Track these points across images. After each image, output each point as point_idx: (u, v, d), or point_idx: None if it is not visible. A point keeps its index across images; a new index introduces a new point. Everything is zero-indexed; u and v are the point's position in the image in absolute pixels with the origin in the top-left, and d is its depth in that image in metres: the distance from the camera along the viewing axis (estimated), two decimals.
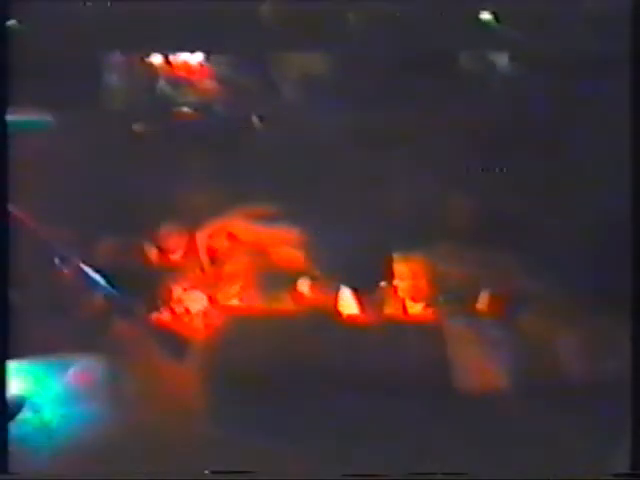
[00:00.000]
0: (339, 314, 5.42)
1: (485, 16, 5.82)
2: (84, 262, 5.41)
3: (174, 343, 5.20)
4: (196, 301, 5.46)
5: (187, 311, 5.44)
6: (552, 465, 4.74)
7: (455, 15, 5.72)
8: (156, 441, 4.91)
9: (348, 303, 5.45)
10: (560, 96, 5.50)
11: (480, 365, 5.14)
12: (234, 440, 4.91)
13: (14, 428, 4.81)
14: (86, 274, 5.38)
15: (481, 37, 5.82)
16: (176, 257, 5.70)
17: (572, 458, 4.78)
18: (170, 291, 5.47)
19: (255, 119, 6.06)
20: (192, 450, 4.91)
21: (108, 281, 5.37)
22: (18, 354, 5.01)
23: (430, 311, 5.45)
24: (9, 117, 5.15)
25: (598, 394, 4.91)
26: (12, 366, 4.92)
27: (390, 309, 5.49)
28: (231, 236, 5.69)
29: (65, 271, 5.42)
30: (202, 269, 5.57)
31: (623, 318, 4.89)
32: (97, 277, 5.36)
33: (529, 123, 5.58)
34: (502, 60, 5.92)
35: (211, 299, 5.49)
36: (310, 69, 6.03)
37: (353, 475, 4.75)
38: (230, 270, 5.61)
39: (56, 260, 5.41)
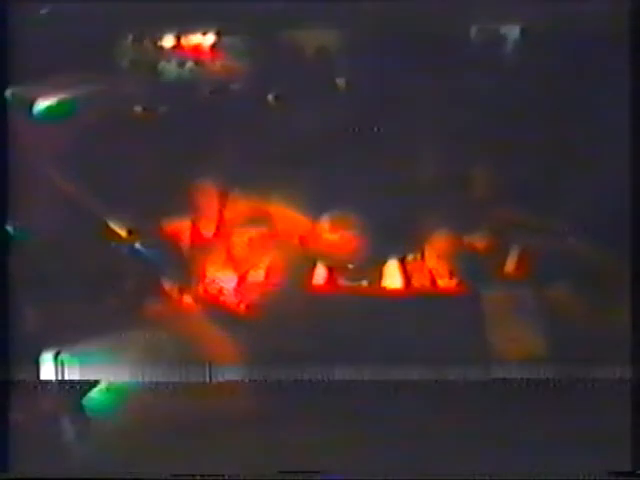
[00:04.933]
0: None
1: None
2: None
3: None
4: (229, 280, 5.48)
5: (220, 291, 5.47)
6: None
7: None
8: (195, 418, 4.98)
9: (392, 275, 5.53)
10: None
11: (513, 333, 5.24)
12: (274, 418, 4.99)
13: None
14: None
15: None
16: (208, 235, 5.69)
17: None
18: (203, 270, 5.49)
19: (271, 98, 6.09)
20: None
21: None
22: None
23: (458, 282, 5.53)
24: None
25: None
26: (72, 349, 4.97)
27: (418, 282, 5.56)
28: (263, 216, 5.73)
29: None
30: (233, 247, 5.59)
31: None
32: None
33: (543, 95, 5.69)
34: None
35: (243, 278, 5.51)
36: (325, 45, 6.06)
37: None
38: (263, 250, 5.64)
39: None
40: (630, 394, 4.98)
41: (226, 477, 4.80)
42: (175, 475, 4.81)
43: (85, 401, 5.02)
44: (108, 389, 5.05)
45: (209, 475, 4.85)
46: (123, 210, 5.57)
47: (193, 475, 4.82)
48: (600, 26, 5.45)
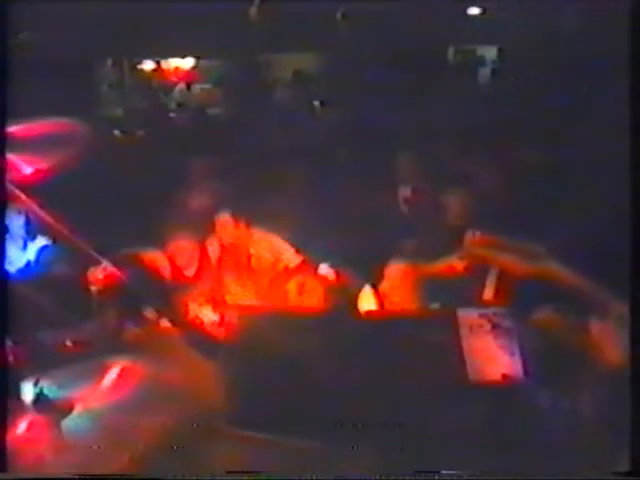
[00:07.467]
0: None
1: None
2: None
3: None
4: (210, 315, 5.42)
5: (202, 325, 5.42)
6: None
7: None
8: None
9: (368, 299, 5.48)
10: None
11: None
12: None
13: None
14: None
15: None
16: (190, 273, 5.65)
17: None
18: (186, 306, 5.42)
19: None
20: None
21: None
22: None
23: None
24: None
25: None
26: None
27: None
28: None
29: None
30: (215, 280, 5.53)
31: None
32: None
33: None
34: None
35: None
36: (301, 69, 6.10)
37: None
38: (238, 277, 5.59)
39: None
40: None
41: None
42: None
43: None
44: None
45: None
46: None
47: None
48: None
